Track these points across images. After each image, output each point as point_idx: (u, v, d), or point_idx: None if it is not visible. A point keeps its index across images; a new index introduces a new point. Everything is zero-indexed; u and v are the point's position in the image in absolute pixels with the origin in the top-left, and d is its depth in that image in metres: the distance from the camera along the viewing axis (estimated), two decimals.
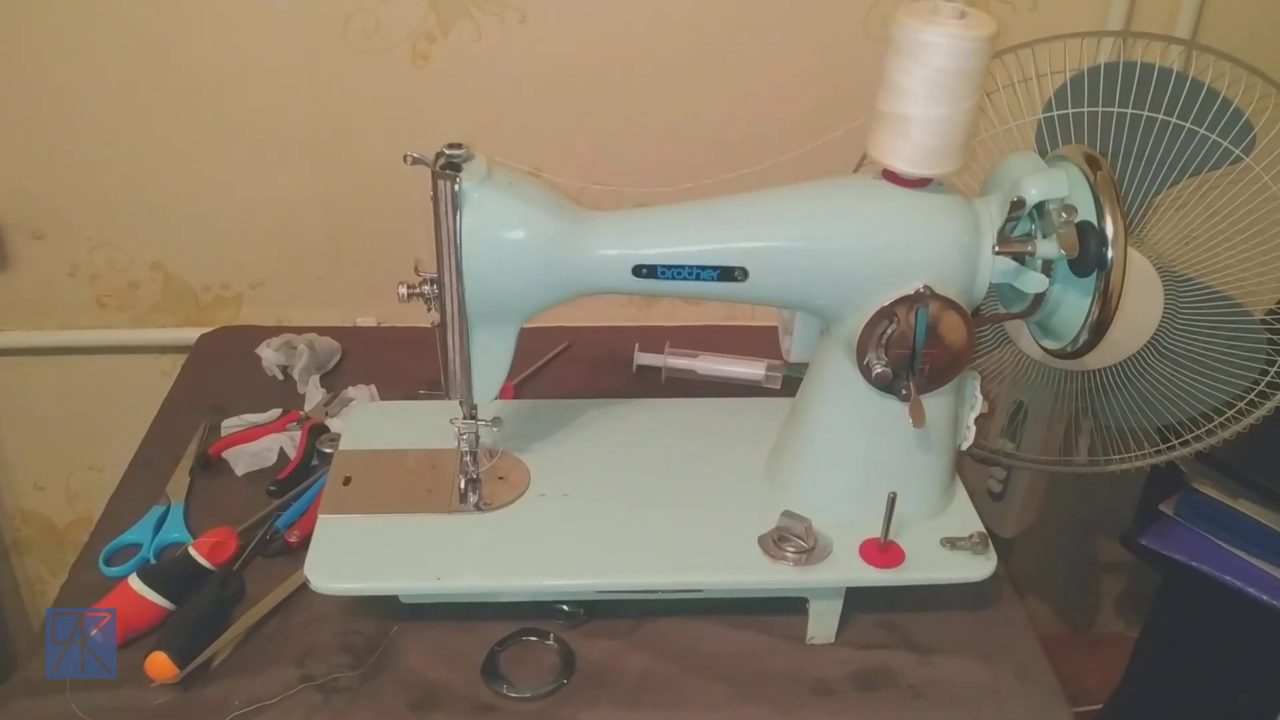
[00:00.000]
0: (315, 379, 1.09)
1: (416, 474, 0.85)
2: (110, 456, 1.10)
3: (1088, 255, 0.71)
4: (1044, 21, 1.10)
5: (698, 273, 0.74)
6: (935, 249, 0.73)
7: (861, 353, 0.74)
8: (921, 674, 0.79)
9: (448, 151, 0.70)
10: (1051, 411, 0.98)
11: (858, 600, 0.81)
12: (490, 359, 0.78)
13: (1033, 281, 0.73)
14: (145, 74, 1.08)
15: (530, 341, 0.85)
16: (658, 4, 1.07)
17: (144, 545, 0.88)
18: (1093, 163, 0.74)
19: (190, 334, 1.21)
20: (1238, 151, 0.84)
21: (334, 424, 1.01)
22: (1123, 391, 0.91)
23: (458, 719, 0.75)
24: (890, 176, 0.74)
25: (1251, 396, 0.88)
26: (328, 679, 0.77)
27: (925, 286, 0.72)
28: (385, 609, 0.81)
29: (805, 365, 0.84)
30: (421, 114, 1.12)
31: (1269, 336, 0.87)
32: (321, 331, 1.16)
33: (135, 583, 0.80)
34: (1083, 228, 0.71)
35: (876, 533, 0.78)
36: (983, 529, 0.81)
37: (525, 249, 0.73)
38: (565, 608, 0.83)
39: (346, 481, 0.84)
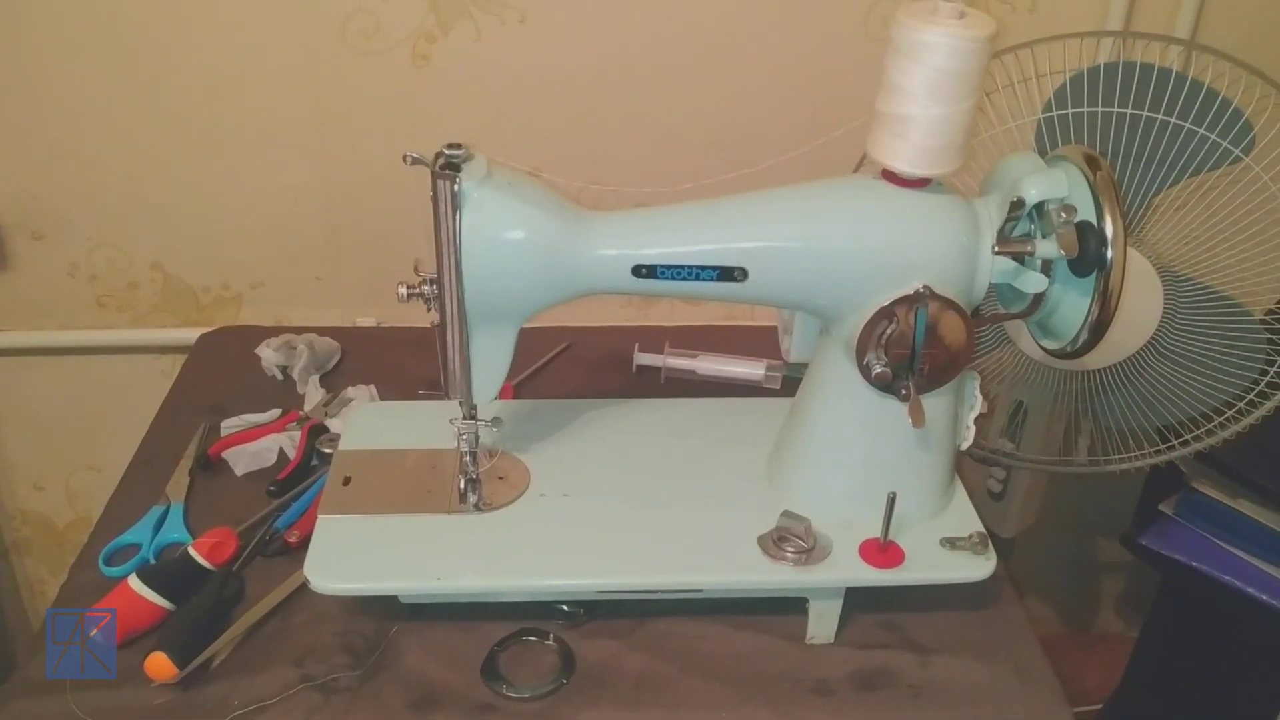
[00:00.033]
0: (315, 379, 1.09)
1: (416, 474, 0.85)
2: (110, 456, 1.11)
3: (1087, 255, 0.71)
4: (1043, 21, 1.09)
5: (697, 273, 0.74)
6: (935, 249, 0.73)
7: (861, 353, 0.74)
8: (921, 674, 0.79)
9: (447, 151, 0.70)
10: (1051, 411, 0.98)
11: (857, 600, 0.81)
12: (490, 359, 0.78)
13: (1032, 281, 0.73)
14: (145, 74, 1.08)
15: (530, 341, 0.85)
16: (658, 4, 1.07)
17: (144, 545, 0.88)
18: (1092, 163, 0.74)
19: (190, 334, 1.21)
20: (1237, 152, 0.84)
21: (334, 424, 1.01)
22: (1122, 391, 0.91)
23: (458, 719, 0.75)
24: (890, 177, 0.74)
25: (1251, 396, 0.88)
26: (328, 679, 0.77)
27: (925, 286, 0.72)
28: (385, 609, 0.81)
29: (805, 365, 0.84)
30: (421, 114, 1.12)
31: (1269, 336, 0.87)
32: (321, 331, 1.16)
33: (135, 583, 0.80)
34: (1082, 228, 0.71)
35: (876, 533, 0.78)
36: (982, 529, 0.81)
37: (525, 249, 0.73)
38: (565, 608, 0.83)
39: (346, 482, 0.84)
